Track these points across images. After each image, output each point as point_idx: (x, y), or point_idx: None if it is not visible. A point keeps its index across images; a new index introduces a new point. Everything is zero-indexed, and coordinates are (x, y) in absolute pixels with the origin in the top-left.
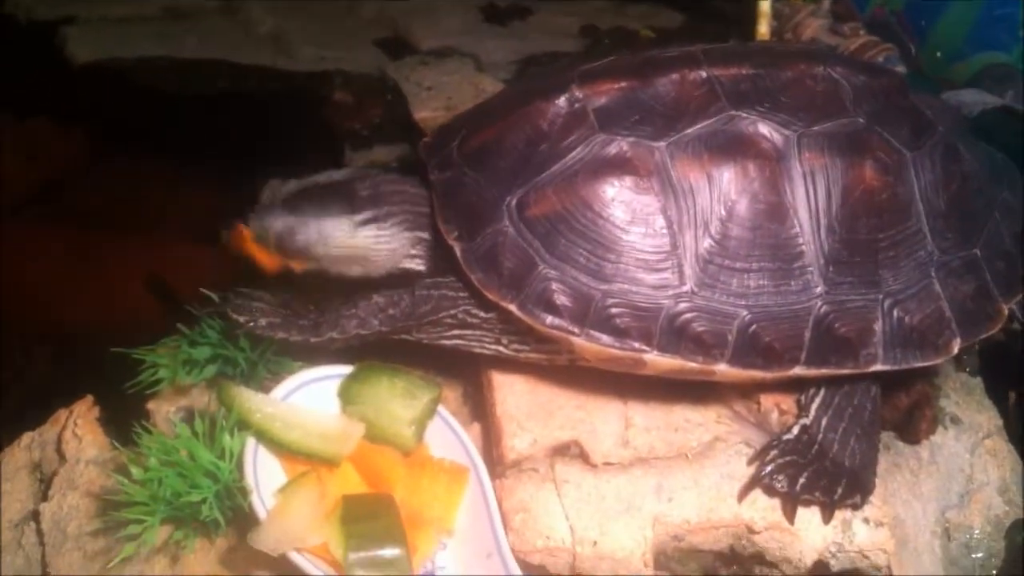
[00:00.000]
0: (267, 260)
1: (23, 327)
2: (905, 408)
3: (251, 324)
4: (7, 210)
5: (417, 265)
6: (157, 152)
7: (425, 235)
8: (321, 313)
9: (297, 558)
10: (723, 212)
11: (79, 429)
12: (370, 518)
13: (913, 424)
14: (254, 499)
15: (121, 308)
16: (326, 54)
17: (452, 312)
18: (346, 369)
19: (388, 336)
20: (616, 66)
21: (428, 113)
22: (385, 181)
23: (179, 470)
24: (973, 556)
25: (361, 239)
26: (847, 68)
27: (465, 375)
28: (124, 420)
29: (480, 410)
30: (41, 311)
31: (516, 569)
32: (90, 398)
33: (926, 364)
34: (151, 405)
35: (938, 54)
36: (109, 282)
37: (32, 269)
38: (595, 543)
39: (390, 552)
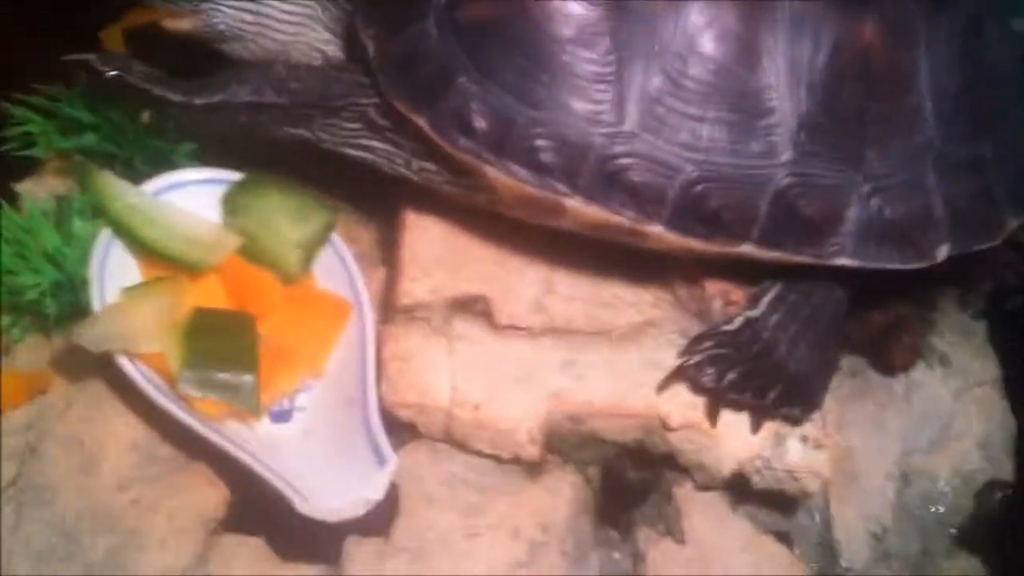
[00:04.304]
0: None
1: None
2: (878, 328)
3: (121, 71)
4: None
5: (332, 49)
6: None
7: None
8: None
9: (126, 364)
10: (684, 44)
11: None
12: (219, 335)
13: (887, 350)
14: (92, 291)
15: None
16: None
17: (362, 104)
18: (235, 176)
19: (285, 127)
20: None
21: None
22: None
23: (19, 249)
24: (931, 509)
25: None
26: None
27: (384, 216)
28: None
29: (392, 254)
30: None
31: (377, 423)
32: None
33: (905, 267)
34: (23, 186)
35: None
36: None
37: None
38: (477, 407)
39: (233, 376)
